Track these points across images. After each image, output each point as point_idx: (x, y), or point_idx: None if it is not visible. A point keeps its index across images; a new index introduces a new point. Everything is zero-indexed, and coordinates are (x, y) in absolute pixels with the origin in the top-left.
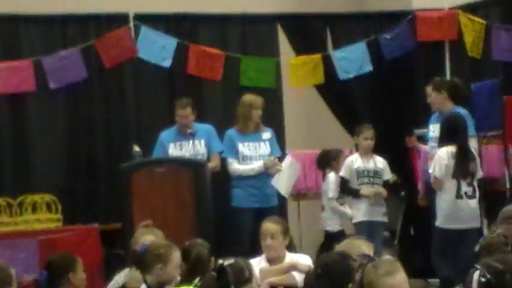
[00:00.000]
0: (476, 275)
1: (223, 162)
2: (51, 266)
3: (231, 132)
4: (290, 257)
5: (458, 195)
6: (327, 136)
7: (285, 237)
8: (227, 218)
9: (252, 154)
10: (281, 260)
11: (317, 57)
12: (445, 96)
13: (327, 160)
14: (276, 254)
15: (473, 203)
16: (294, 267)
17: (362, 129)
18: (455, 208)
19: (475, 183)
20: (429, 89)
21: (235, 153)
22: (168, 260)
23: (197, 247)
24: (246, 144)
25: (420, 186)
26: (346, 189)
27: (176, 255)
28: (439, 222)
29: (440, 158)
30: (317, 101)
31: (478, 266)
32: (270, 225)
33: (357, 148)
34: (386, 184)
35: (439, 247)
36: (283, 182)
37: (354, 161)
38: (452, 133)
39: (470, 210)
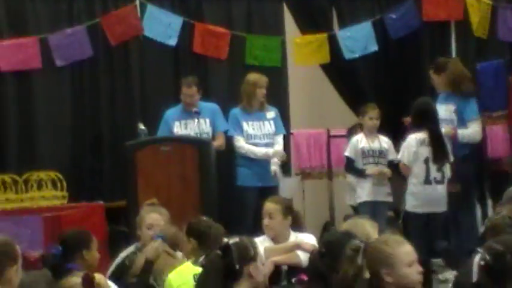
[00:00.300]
0: (477, 258)
1: (228, 141)
2: (66, 241)
3: (236, 110)
4: (294, 236)
5: (427, 181)
6: (332, 115)
7: (285, 216)
8: (232, 196)
9: (256, 133)
10: (285, 239)
11: (322, 36)
12: (445, 79)
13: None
14: (274, 234)
15: (441, 188)
16: (298, 246)
17: (367, 109)
18: (424, 193)
19: (445, 169)
20: (431, 72)
21: (241, 131)
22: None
23: (211, 225)
24: (250, 123)
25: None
26: (351, 169)
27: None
28: (408, 206)
29: (409, 145)
30: (322, 81)
31: (480, 249)
32: (268, 205)
33: (362, 127)
34: (391, 164)
35: (408, 230)
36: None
37: (359, 140)
38: (421, 119)
39: (438, 195)
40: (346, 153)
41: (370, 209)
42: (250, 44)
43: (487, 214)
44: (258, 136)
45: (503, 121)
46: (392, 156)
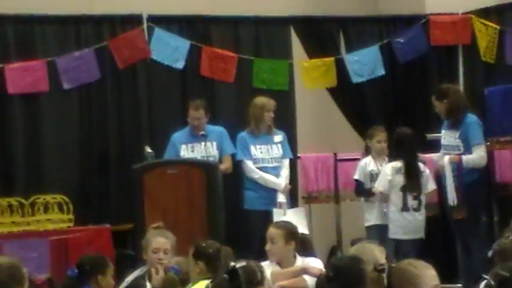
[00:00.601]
0: (482, 284)
1: (235, 164)
2: (82, 265)
3: (244, 134)
4: (301, 261)
5: (405, 208)
6: (339, 139)
7: (287, 242)
8: (239, 220)
9: (264, 157)
10: (291, 263)
11: (330, 60)
12: (446, 106)
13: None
14: (276, 258)
15: (419, 215)
16: (305, 270)
17: (375, 132)
18: (402, 220)
19: (422, 197)
20: (433, 100)
21: (250, 155)
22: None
23: (220, 248)
24: (258, 146)
25: (456, 202)
26: (361, 192)
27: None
28: (390, 234)
29: (384, 173)
30: (329, 104)
31: (486, 276)
32: (270, 230)
33: (369, 151)
34: None
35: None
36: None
37: (368, 163)
38: (398, 150)
39: (416, 222)
40: (356, 177)
41: (378, 233)
42: (257, 67)
43: (494, 239)
44: (266, 160)
45: (511, 146)
46: None
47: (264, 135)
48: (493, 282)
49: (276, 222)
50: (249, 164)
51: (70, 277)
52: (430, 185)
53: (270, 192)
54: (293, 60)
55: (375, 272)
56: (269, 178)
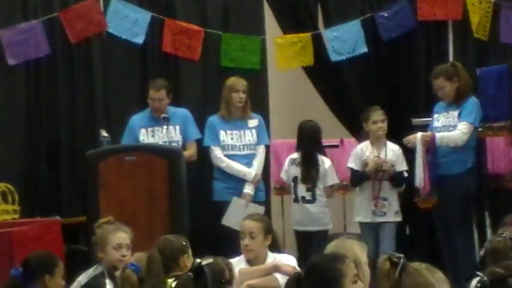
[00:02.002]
0: (474, 281)
1: (202, 151)
2: (28, 264)
3: (214, 118)
4: (272, 257)
5: (295, 199)
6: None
7: (266, 236)
8: (207, 212)
9: (235, 143)
10: (262, 260)
11: (306, 36)
12: (457, 84)
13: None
14: (254, 256)
15: (312, 207)
16: (276, 268)
17: (369, 113)
18: (295, 211)
19: (317, 190)
20: (440, 82)
21: (218, 141)
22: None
23: (163, 244)
24: (229, 132)
25: (423, 184)
26: (357, 182)
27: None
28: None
29: (284, 164)
30: (305, 85)
31: (479, 273)
32: (249, 223)
33: (365, 135)
34: (397, 176)
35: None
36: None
37: (364, 150)
38: (298, 140)
39: (308, 214)
40: (349, 165)
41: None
42: (226, 43)
43: (485, 236)
44: (237, 147)
45: (505, 133)
46: (400, 167)
47: (237, 119)
48: (486, 280)
49: (251, 214)
50: (216, 151)
51: (13, 277)
52: (330, 179)
53: (240, 183)
54: (266, 36)
55: (387, 261)
56: (237, 167)
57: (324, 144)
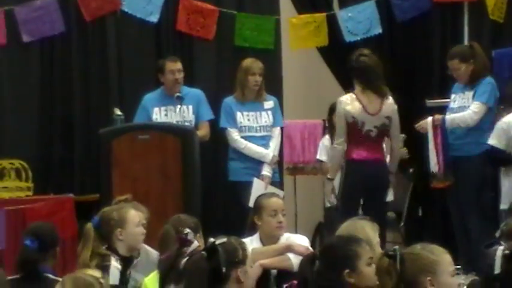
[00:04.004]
0: (499, 251)
1: (217, 132)
2: (41, 236)
3: (229, 100)
4: (285, 238)
5: None
6: (329, 105)
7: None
8: (221, 192)
9: (252, 124)
10: (276, 240)
11: (321, 16)
12: (473, 66)
13: None
14: (282, 233)
15: None
16: (289, 248)
17: None
18: None
19: None
20: (455, 63)
21: (235, 123)
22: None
23: (177, 221)
24: (245, 113)
25: (437, 168)
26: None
27: (131, 213)
28: None
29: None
30: (319, 66)
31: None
32: (279, 201)
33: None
34: None
35: None
36: None
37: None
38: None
39: None
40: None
41: None
42: (240, 23)
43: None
44: (254, 128)
45: None
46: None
47: (252, 101)
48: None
49: (274, 193)
50: (234, 133)
51: (30, 249)
52: None
53: (257, 163)
54: (280, 16)
55: (384, 258)
56: (255, 149)
57: None
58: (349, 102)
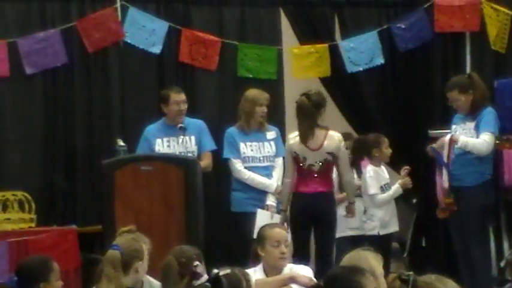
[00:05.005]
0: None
1: (219, 162)
2: (22, 271)
3: (232, 130)
4: (289, 268)
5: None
6: None
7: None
8: (224, 223)
9: (255, 155)
10: (279, 271)
11: (323, 46)
12: (472, 96)
13: (366, 147)
14: (287, 263)
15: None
16: (293, 279)
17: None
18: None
19: None
20: (454, 94)
21: (238, 154)
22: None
23: (179, 252)
24: (248, 143)
25: (447, 185)
26: None
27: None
28: None
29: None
30: None
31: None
32: (283, 232)
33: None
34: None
35: None
36: None
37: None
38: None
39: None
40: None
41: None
42: (242, 54)
43: (502, 249)
44: (257, 158)
45: None
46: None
47: (255, 131)
48: None
49: (277, 224)
50: (237, 164)
51: (9, 286)
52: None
53: (260, 193)
54: (282, 47)
55: (396, 281)
56: (259, 179)
57: None
58: (293, 138)
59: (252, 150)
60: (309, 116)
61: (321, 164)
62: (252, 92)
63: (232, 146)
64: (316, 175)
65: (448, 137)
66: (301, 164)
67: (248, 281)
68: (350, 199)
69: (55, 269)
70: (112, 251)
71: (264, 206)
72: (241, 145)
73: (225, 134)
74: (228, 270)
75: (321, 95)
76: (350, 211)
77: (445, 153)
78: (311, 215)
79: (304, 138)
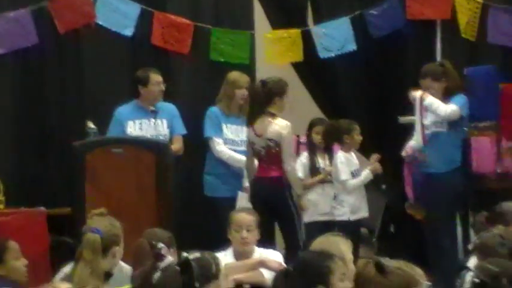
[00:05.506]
0: (468, 276)
1: (189, 146)
2: None
3: (215, 109)
4: (259, 253)
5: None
6: (303, 120)
7: (258, 230)
8: (198, 206)
9: (234, 138)
10: (249, 255)
11: (296, 32)
12: (446, 84)
13: (338, 134)
14: (250, 248)
15: None
16: (263, 263)
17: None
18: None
19: None
20: (427, 82)
21: (221, 133)
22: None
23: (151, 235)
24: (229, 126)
25: (421, 141)
26: None
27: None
28: None
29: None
30: (294, 81)
31: (470, 267)
32: (245, 216)
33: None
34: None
35: None
36: None
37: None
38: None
39: None
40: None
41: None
42: (215, 38)
43: (468, 235)
44: (236, 142)
45: (491, 133)
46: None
47: (235, 115)
48: (483, 276)
49: (245, 208)
50: (219, 143)
51: None
52: None
53: (233, 177)
54: (255, 31)
55: (370, 265)
56: (239, 157)
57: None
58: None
59: (231, 133)
60: (258, 103)
61: (264, 149)
62: (233, 75)
63: (215, 124)
64: (263, 160)
65: (418, 92)
66: (253, 149)
67: (218, 264)
68: (297, 191)
69: (12, 248)
70: (92, 234)
71: (242, 189)
72: (223, 126)
73: (207, 113)
74: (197, 254)
75: (279, 83)
76: (300, 205)
77: (417, 108)
78: (263, 200)
79: (250, 123)
